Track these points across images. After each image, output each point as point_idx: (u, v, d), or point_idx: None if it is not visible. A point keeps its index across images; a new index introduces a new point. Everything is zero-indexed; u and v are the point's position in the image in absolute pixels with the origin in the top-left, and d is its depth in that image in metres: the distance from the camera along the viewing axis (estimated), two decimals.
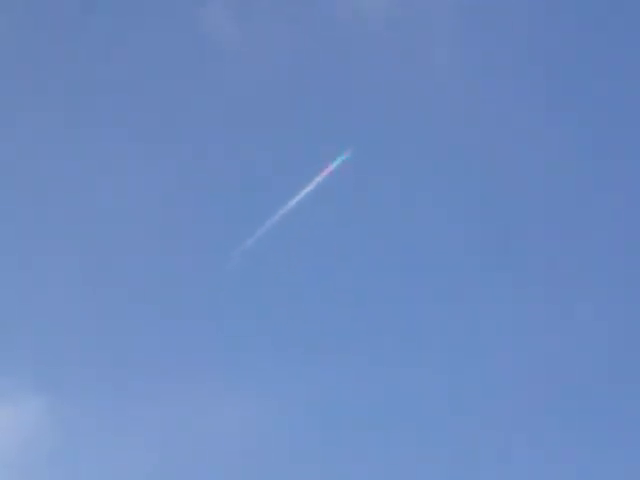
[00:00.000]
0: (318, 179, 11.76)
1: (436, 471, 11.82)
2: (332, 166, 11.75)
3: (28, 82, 12.59)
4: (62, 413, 11.35)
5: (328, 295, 12.28)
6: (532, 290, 12.41)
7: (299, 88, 12.47)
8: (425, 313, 12.44)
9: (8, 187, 12.45)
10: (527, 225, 12.61)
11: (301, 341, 12.19)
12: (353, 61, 12.43)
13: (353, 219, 12.40)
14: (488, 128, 12.53)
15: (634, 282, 12.51)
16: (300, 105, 12.48)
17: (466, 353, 12.28)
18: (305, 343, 12.19)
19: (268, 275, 12.16)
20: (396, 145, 12.47)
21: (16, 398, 11.23)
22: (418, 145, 12.47)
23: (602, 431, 12.05)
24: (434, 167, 12.53)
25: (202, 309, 12.13)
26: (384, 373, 12.07)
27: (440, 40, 12.36)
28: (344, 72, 12.42)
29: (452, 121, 12.41)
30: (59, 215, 12.25)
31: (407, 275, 12.45)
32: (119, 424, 11.46)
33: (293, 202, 11.82)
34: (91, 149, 12.55)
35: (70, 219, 12.24)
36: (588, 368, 12.01)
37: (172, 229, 12.20)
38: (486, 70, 12.61)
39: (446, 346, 12.29)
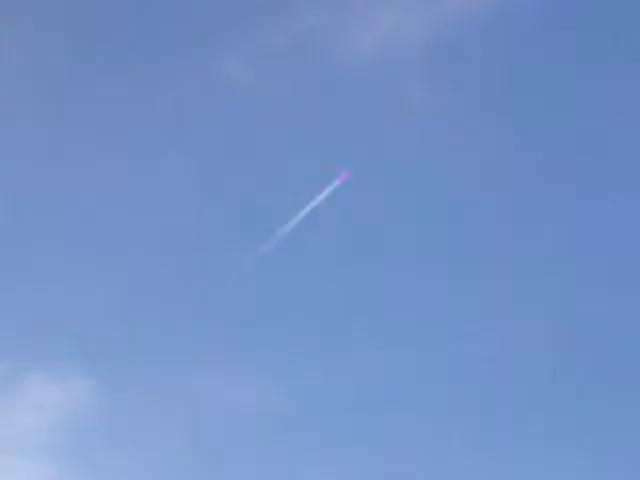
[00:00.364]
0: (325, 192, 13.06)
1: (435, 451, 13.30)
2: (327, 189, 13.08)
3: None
4: (106, 392, 12.84)
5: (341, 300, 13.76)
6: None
7: (297, 121, 13.83)
8: (427, 310, 13.91)
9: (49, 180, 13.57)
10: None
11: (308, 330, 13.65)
12: (342, 101, 13.79)
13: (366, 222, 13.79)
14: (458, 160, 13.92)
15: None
16: (301, 132, 13.78)
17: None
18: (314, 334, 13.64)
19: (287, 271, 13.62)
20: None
21: (68, 379, 12.73)
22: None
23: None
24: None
25: (227, 306, 13.51)
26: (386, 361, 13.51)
27: (416, 77, 13.77)
28: (336, 107, 13.76)
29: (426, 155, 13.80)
30: (102, 215, 13.54)
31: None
32: (154, 402, 12.92)
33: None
34: (124, 157, 13.76)
35: (113, 218, 13.53)
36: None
37: (201, 231, 13.54)
38: (458, 101, 13.98)
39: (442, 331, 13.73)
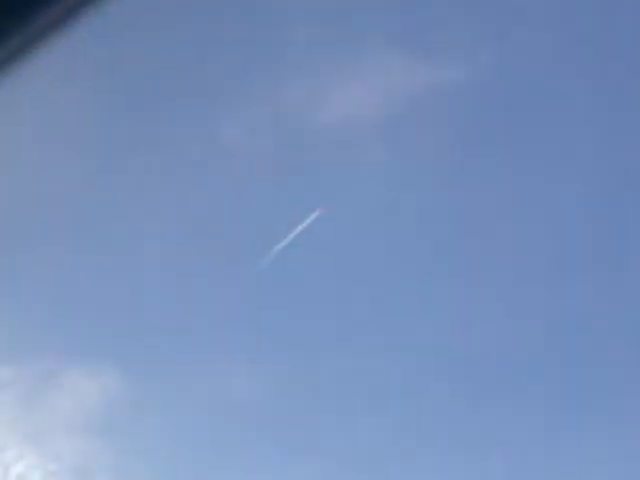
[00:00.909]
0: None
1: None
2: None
3: None
4: (135, 384, 14.60)
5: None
6: None
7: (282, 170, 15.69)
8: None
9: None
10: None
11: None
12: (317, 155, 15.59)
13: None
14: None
15: None
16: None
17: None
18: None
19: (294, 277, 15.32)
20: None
21: (101, 373, 14.43)
22: None
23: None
24: None
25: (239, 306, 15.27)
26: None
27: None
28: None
29: None
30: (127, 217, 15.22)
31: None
32: (176, 391, 14.74)
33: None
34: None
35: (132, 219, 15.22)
36: None
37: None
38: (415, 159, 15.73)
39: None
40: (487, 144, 15.49)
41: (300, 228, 13.99)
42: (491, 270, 15.27)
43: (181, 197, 14.87)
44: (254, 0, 15.13)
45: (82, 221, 14.51)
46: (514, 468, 14.48)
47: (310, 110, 14.95)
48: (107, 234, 14.62)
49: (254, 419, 14.52)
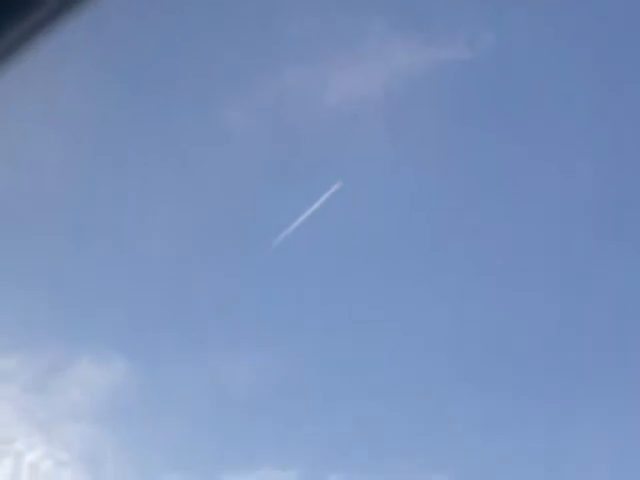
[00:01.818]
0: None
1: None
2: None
3: None
4: (143, 371, 14.71)
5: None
6: None
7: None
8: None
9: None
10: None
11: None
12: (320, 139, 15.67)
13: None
14: None
15: None
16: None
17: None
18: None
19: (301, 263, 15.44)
20: None
21: (110, 361, 14.55)
22: None
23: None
24: None
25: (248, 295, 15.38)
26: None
27: None
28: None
29: None
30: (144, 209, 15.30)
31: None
32: (183, 377, 14.86)
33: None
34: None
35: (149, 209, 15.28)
36: None
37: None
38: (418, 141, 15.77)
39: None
40: (487, 125, 15.57)
41: (315, 206, 14.07)
42: (493, 254, 15.42)
43: (185, 185, 14.94)
44: None
45: (89, 211, 14.58)
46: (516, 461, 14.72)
47: (312, 93, 15.01)
48: (114, 224, 14.69)
49: (261, 407, 14.68)
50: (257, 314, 15.05)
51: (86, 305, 14.60)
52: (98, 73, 14.47)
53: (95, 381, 14.45)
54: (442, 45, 15.43)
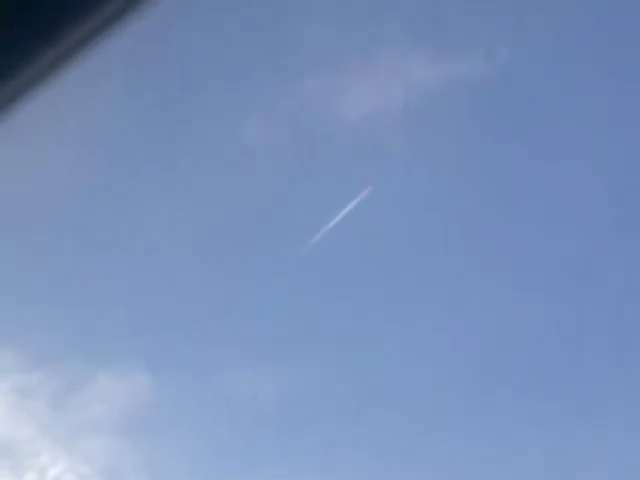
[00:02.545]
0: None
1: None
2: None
3: None
4: (164, 386, 14.79)
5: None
6: None
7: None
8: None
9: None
10: None
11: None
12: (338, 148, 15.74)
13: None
14: None
15: None
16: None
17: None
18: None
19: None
20: None
21: (131, 376, 14.60)
22: None
23: None
24: None
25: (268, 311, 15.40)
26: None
27: None
28: None
29: None
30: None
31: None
32: (201, 392, 14.93)
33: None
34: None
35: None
36: None
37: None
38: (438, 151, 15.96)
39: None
40: (505, 139, 15.66)
41: (344, 212, 14.07)
42: (508, 265, 15.51)
43: (204, 197, 14.94)
44: None
45: (110, 222, 14.57)
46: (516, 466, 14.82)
47: (330, 107, 15.03)
48: (134, 236, 14.69)
49: (282, 420, 14.73)
50: (278, 327, 15.09)
51: (106, 320, 14.62)
52: (112, 85, 14.44)
53: (116, 396, 14.49)
54: (459, 58, 15.49)
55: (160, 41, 14.85)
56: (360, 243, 15.13)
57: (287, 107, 15.11)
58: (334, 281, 15.16)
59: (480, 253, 15.44)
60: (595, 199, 15.63)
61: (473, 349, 15.01)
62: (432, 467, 14.81)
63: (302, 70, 15.25)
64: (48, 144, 13.76)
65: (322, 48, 15.25)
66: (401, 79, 15.40)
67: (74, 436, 14.39)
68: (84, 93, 13.92)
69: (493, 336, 15.24)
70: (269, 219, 14.84)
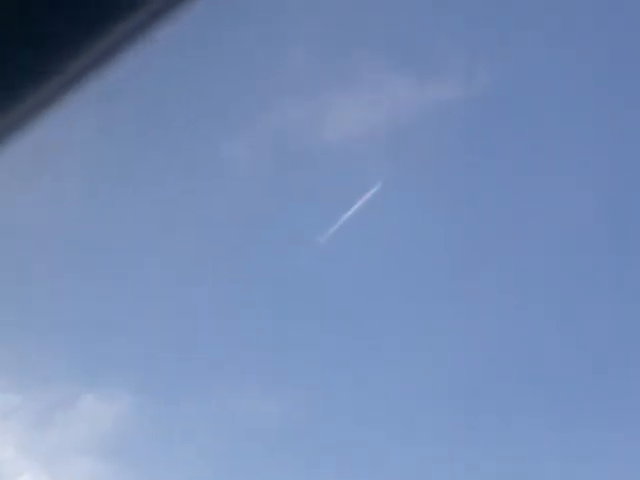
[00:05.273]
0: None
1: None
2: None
3: None
4: (151, 410, 14.74)
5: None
6: None
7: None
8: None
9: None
10: None
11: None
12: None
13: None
14: None
15: None
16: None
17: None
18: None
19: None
20: None
21: (118, 398, 14.57)
22: None
23: None
24: None
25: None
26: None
27: None
28: None
29: None
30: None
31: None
32: (190, 415, 14.86)
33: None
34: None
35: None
36: None
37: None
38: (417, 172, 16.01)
39: None
40: (490, 158, 15.70)
41: (330, 231, 14.04)
42: (500, 277, 15.47)
43: (185, 220, 14.98)
44: (254, 19, 15.30)
45: (95, 242, 14.60)
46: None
47: (311, 129, 15.13)
48: (122, 258, 14.73)
49: (273, 443, 14.61)
50: (273, 347, 15.01)
51: (92, 342, 14.63)
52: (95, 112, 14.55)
53: (102, 417, 14.46)
54: (440, 80, 15.59)
55: (143, 69, 15.02)
56: (345, 267, 15.12)
57: (267, 130, 15.23)
58: (318, 304, 15.17)
59: (465, 279, 15.41)
60: (580, 215, 15.62)
61: (475, 369, 14.91)
62: None
63: (284, 92, 15.38)
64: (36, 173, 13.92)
65: (305, 70, 15.39)
66: (383, 101, 15.50)
67: (56, 458, 14.37)
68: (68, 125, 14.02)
69: (495, 355, 15.13)
70: (255, 237, 14.86)
